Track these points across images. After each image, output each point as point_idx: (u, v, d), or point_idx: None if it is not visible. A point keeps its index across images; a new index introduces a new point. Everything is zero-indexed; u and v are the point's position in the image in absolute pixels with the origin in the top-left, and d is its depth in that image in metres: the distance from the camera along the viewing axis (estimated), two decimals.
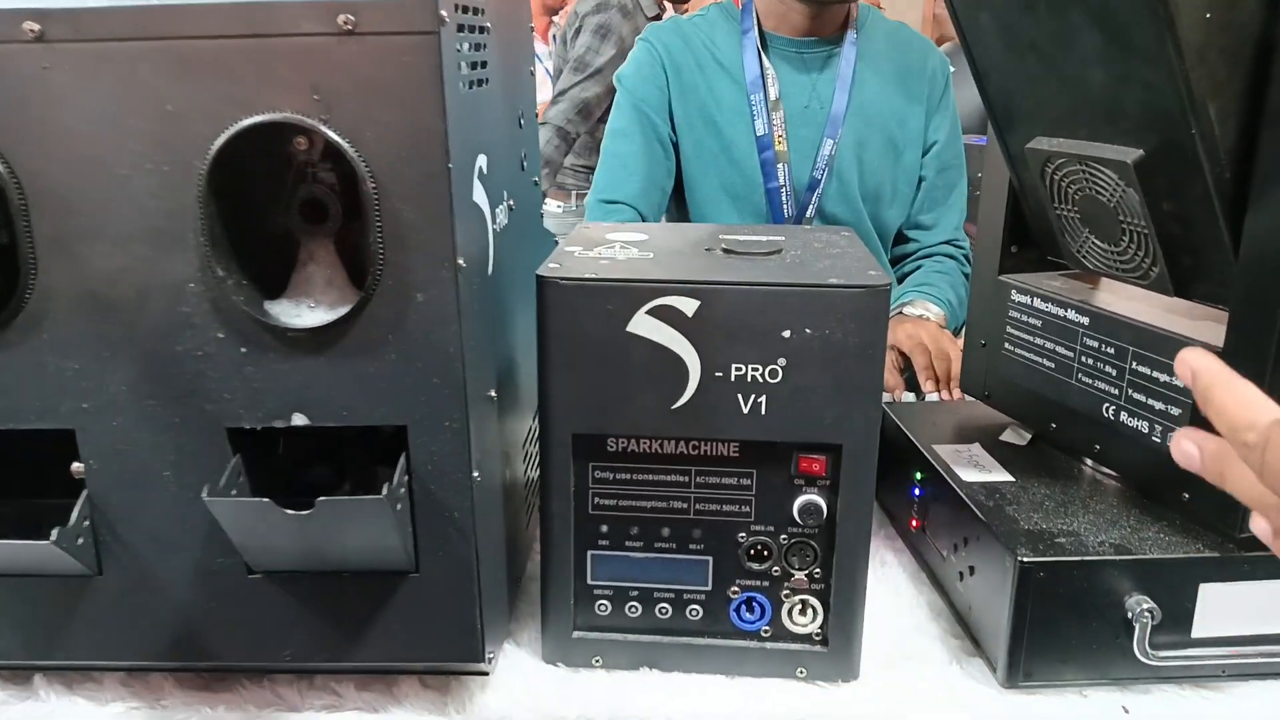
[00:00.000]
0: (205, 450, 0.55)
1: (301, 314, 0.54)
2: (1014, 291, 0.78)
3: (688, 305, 0.57)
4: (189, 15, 0.49)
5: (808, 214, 1.42)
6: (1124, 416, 0.68)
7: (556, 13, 3.78)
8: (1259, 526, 0.40)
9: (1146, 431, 0.66)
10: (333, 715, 0.60)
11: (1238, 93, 0.56)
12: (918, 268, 1.47)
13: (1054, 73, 0.64)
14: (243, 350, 0.53)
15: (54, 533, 0.53)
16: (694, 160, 1.40)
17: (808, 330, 0.57)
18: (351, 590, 0.58)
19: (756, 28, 1.38)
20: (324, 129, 0.50)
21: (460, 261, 0.52)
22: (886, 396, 1.09)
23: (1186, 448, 0.41)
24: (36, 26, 0.49)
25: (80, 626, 0.58)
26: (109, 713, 0.60)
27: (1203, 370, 0.39)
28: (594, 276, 0.58)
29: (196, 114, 0.50)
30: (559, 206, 3.00)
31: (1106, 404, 0.69)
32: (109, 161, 0.51)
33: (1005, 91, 0.70)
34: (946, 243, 1.48)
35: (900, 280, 1.48)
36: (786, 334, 0.57)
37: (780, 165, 1.39)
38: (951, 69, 1.49)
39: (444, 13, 0.49)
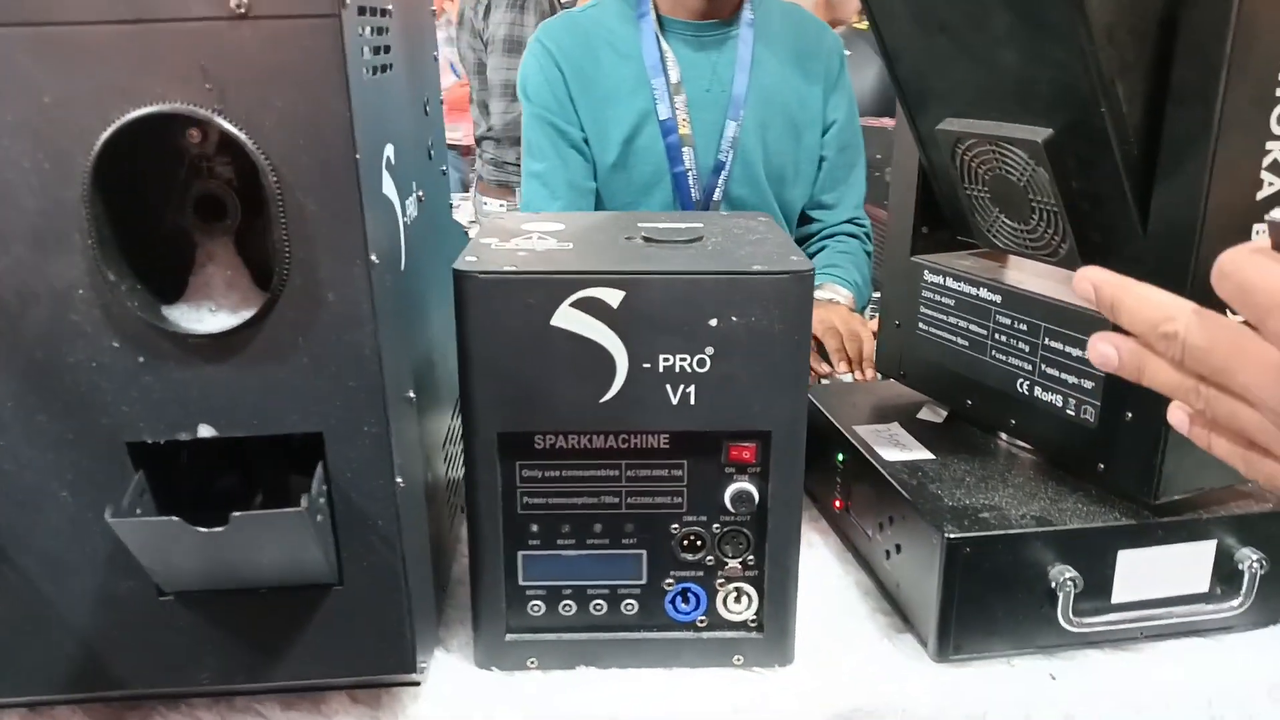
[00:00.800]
0: (104, 467, 0.51)
1: (202, 319, 0.50)
2: (926, 272, 0.79)
3: (613, 296, 0.56)
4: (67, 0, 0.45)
5: (715, 197, 1.41)
6: (1038, 391, 0.69)
7: None
8: (1176, 416, 0.41)
9: (1060, 405, 0.68)
10: None
11: (1144, 72, 0.57)
12: (822, 248, 1.49)
13: (965, 53, 0.65)
14: (140, 360, 0.50)
15: None
16: (601, 150, 1.38)
17: (734, 318, 0.56)
18: (271, 606, 0.55)
19: (653, 12, 1.37)
20: (218, 120, 0.46)
21: (373, 257, 0.50)
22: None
23: (1103, 349, 0.41)
24: None
25: None
26: None
27: (1104, 283, 0.41)
28: (514, 269, 0.56)
29: (78, 106, 0.46)
30: (502, 205, 2.91)
31: (1020, 379, 0.71)
32: None
33: (916, 73, 0.71)
34: (848, 221, 1.50)
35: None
36: (713, 322, 0.57)
37: (685, 149, 1.38)
38: (846, 52, 1.51)
39: (345, 12, 0.47)
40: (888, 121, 2.14)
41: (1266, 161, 0.56)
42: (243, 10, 0.45)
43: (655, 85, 1.35)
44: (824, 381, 1.15)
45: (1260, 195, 0.57)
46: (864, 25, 2.85)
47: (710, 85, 1.38)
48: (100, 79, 0.46)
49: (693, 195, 1.40)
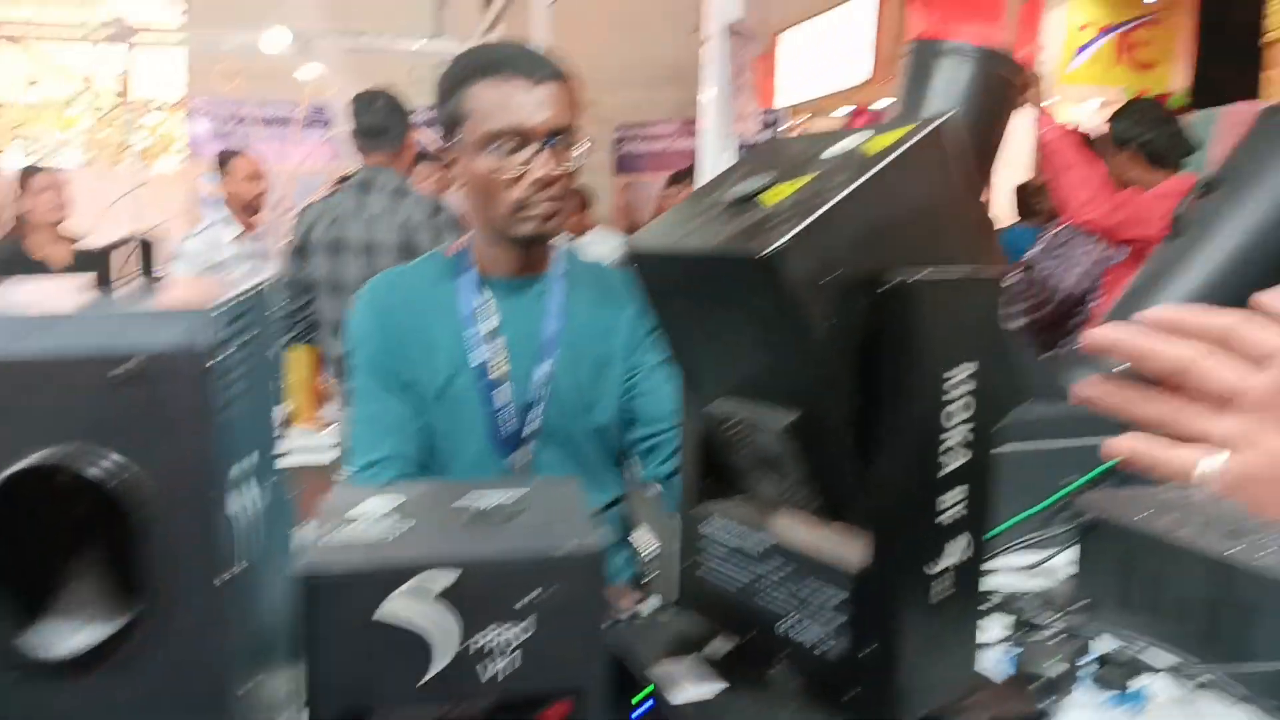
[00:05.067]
0: None
1: (65, 637, 0.56)
2: (711, 518, 0.92)
3: (440, 581, 0.65)
4: None
5: (527, 431, 1.53)
6: (794, 630, 0.82)
7: (254, 211, 3.82)
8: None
9: (813, 644, 0.80)
10: None
11: (853, 378, 0.74)
12: (652, 448, 1.60)
13: (726, 353, 0.81)
14: (6, 678, 0.54)
15: None
16: (423, 393, 1.49)
17: (546, 592, 0.67)
18: None
19: (474, 269, 1.52)
20: (96, 467, 0.54)
21: (219, 576, 0.57)
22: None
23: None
24: None
25: None
26: None
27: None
28: (352, 564, 0.64)
29: None
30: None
31: (781, 620, 0.84)
32: None
33: (690, 364, 0.86)
34: (666, 432, 1.61)
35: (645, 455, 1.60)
36: (530, 597, 0.66)
37: (500, 388, 1.51)
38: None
39: (214, 355, 0.56)
40: None
41: (948, 445, 0.73)
42: (120, 376, 0.54)
43: (469, 335, 1.49)
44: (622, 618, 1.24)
45: (946, 471, 0.74)
46: None
47: (524, 332, 1.53)
48: None
49: (506, 431, 1.52)
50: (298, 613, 0.64)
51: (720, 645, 0.93)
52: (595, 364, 1.57)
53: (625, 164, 7.53)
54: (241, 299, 0.66)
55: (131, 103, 6.23)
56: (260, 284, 0.75)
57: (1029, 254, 3.16)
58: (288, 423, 3.07)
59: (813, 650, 0.81)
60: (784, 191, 0.73)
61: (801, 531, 0.85)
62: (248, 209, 3.84)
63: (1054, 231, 2.99)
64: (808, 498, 0.82)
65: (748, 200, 0.74)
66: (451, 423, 1.50)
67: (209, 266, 3.66)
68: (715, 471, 0.95)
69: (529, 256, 1.52)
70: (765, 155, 0.83)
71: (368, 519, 0.73)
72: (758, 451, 0.84)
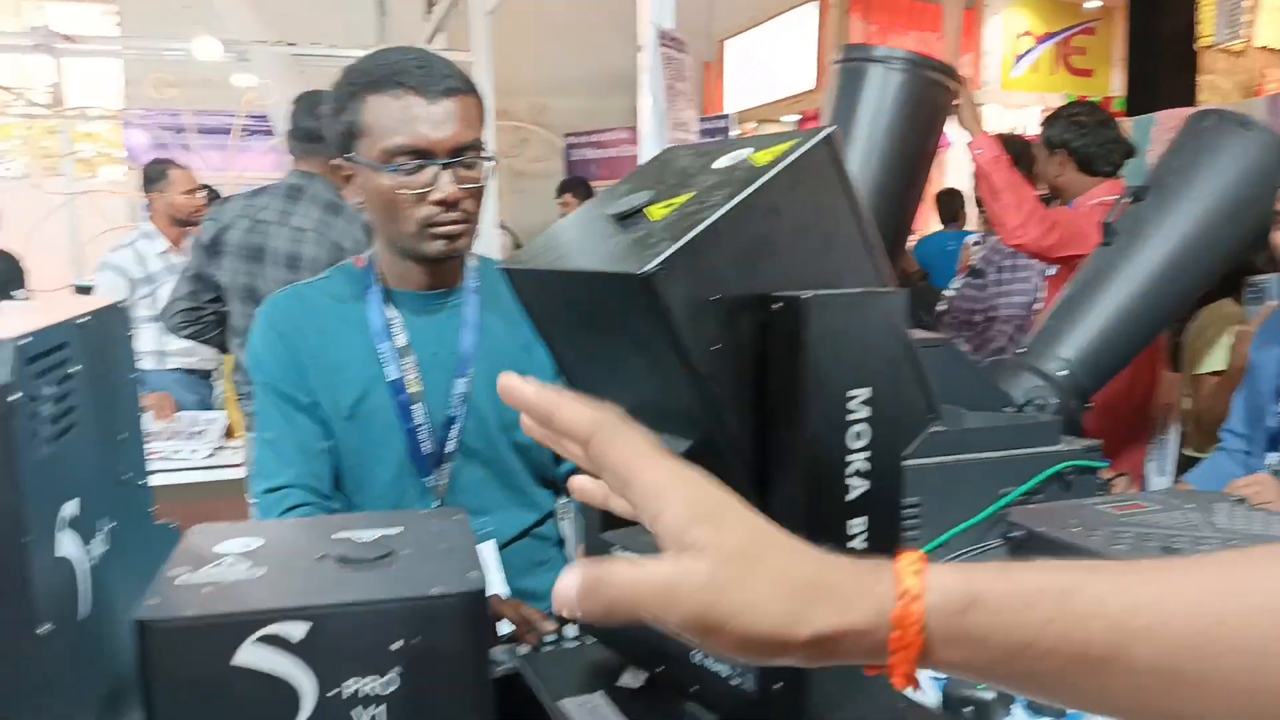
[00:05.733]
0: None
1: None
2: (614, 548, 0.88)
3: (296, 630, 0.60)
4: None
5: (448, 449, 1.48)
6: (708, 661, 0.78)
7: (190, 224, 3.69)
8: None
9: (727, 675, 0.76)
10: None
11: (747, 402, 0.70)
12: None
13: (615, 379, 0.77)
14: None
15: None
16: (332, 412, 1.42)
17: (417, 638, 0.62)
18: None
19: (378, 284, 1.46)
20: None
21: (44, 627, 0.52)
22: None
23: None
24: None
25: None
26: None
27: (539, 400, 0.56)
28: (195, 613, 0.59)
29: None
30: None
31: (695, 651, 0.79)
32: None
33: (582, 388, 0.82)
34: None
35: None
36: (398, 644, 0.61)
37: (415, 406, 1.45)
38: None
39: (12, 391, 0.51)
40: None
41: (849, 471, 0.70)
42: None
43: (382, 350, 1.43)
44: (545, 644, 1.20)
45: (849, 498, 0.70)
46: None
47: (438, 348, 1.47)
48: None
49: (425, 448, 1.46)
50: (138, 663, 0.58)
51: (633, 678, 0.88)
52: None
53: (576, 170, 7.51)
54: (70, 325, 0.60)
55: (68, 111, 6.05)
56: (109, 306, 0.69)
57: (976, 261, 3.16)
58: (228, 435, 2.96)
59: (728, 681, 0.76)
60: (672, 205, 0.69)
61: None
62: (183, 222, 3.70)
63: (996, 242, 2.99)
64: None
65: (633, 215, 0.70)
66: (365, 443, 1.44)
67: (137, 280, 3.54)
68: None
69: (439, 272, 1.47)
70: (657, 167, 0.78)
71: (224, 561, 0.68)
72: None
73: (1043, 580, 0.47)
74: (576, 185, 6.16)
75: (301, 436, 1.40)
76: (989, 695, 0.90)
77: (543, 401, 0.54)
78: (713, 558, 0.48)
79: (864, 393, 0.69)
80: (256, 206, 2.47)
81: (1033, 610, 0.46)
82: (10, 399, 0.50)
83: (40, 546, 0.52)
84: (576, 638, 1.20)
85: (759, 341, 0.69)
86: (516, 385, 0.55)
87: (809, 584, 0.48)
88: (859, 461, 0.70)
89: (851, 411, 0.69)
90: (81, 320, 0.64)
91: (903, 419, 0.74)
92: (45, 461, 0.55)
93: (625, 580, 0.48)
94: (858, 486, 0.71)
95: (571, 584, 0.48)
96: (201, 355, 3.42)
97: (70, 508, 0.59)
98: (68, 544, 0.58)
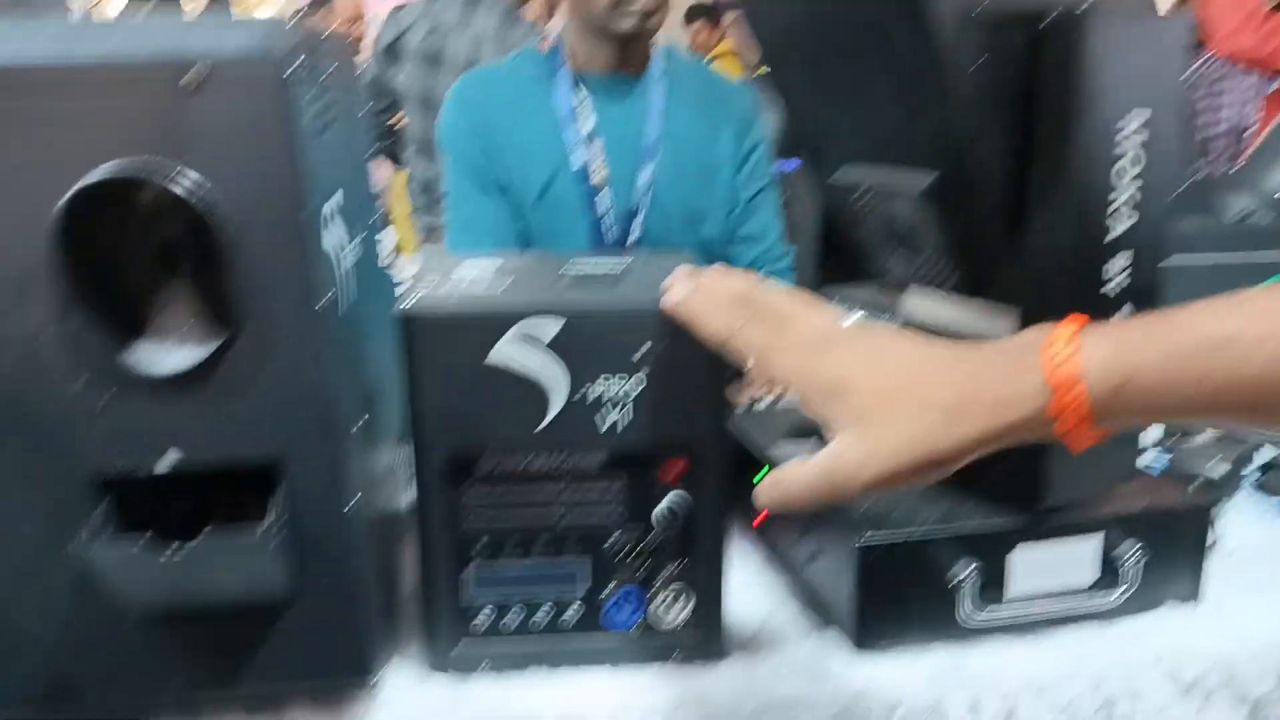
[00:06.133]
0: (70, 498, 0.54)
1: (162, 358, 0.54)
2: (831, 301, 0.86)
3: (548, 330, 0.61)
4: (33, 67, 0.49)
5: (630, 240, 1.48)
6: None
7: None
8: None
9: None
10: None
11: (1008, 128, 0.65)
12: (755, 268, 1.55)
13: (854, 110, 0.73)
14: (106, 396, 0.53)
15: None
16: (520, 197, 1.44)
17: (660, 346, 0.62)
18: (235, 622, 0.57)
19: (567, 65, 1.44)
20: (175, 181, 0.50)
21: (317, 303, 0.54)
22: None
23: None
24: None
25: None
26: None
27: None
28: (455, 308, 0.61)
29: (45, 168, 0.49)
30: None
31: None
32: None
33: (813, 128, 0.78)
34: (769, 251, 1.57)
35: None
36: (641, 351, 0.62)
37: (600, 194, 1.44)
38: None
39: (291, 63, 0.51)
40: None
41: (1118, 201, 0.65)
42: (200, 78, 0.50)
43: (569, 135, 1.42)
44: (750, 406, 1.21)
45: (1117, 231, 0.65)
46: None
47: (624, 134, 1.45)
48: (65, 144, 0.49)
49: (609, 238, 1.46)
50: (403, 355, 0.61)
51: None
52: (700, 172, 1.49)
53: None
54: (318, 34, 0.60)
55: None
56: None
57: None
58: (396, 252, 3.03)
59: None
60: None
61: (938, 310, 0.78)
62: None
63: (1201, 63, 2.71)
64: (945, 272, 0.75)
65: None
66: (551, 229, 1.45)
67: None
68: (836, 253, 0.88)
69: (627, 54, 1.43)
70: None
71: (469, 275, 0.69)
72: (889, 223, 0.77)
73: (1196, 335, 0.45)
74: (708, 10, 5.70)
75: (494, 217, 1.42)
76: (1219, 471, 0.86)
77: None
78: (846, 426, 0.51)
79: (1140, 118, 0.64)
80: (436, 11, 2.44)
81: (1190, 368, 0.45)
82: (286, 73, 0.51)
83: (313, 224, 0.54)
84: (772, 403, 1.20)
85: (1027, 60, 0.64)
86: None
87: (952, 407, 0.49)
88: (1125, 196, 0.65)
89: (1123, 141, 0.64)
90: (325, 34, 0.64)
91: (1173, 155, 0.68)
92: (316, 146, 0.55)
93: (792, 476, 0.54)
94: (1121, 224, 0.66)
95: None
96: None
97: (334, 202, 0.60)
98: (333, 236, 0.60)
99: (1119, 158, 0.65)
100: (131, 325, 0.54)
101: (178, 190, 0.50)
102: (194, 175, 0.50)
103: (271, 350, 0.53)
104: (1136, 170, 0.65)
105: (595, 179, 1.43)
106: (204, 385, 0.53)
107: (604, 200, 1.44)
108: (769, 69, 0.78)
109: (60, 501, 0.53)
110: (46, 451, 0.53)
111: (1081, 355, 0.47)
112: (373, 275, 0.76)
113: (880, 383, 0.51)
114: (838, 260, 0.88)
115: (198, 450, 0.54)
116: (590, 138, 1.43)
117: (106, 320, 0.53)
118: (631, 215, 1.46)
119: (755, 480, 0.82)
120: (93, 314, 0.52)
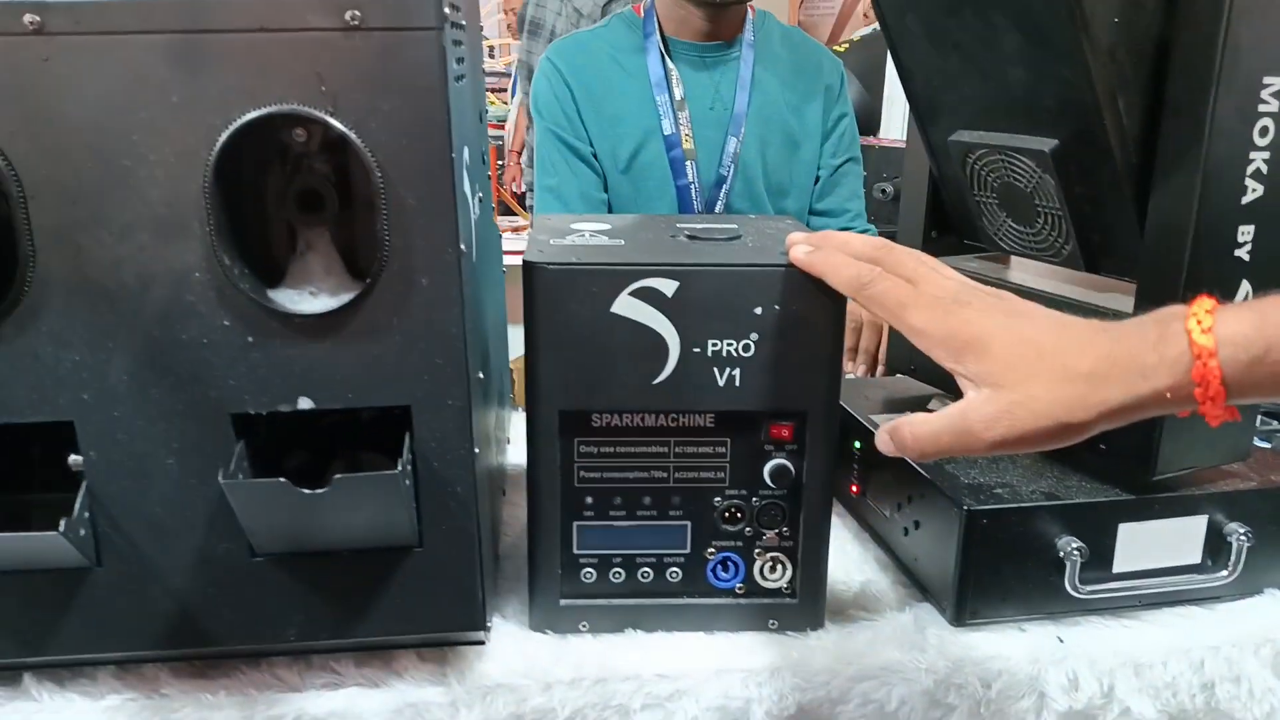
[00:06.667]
0: (209, 436, 0.56)
1: (304, 300, 0.55)
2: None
3: (668, 286, 0.62)
4: (195, 9, 0.50)
5: (716, 209, 1.48)
6: None
7: None
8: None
9: None
10: (334, 693, 0.61)
11: (1142, 87, 0.64)
12: None
13: (976, 70, 0.72)
14: (248, 338, 0.54)
15: (61, 524, 0.53)
16: (609, 164, 1.44)
17: (776, 307, 0.62)
18: (355, 567, 0.59)
19: (658, 33, 1.43)
20: (332, 121, 0.52)
21: (461, 246, 0.55)
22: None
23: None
24: (36, 18, 0.49)
25: (75, 620, 0.58)
26: (103, 706, 0.59)
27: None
28: (579, 261, 0.61)
29: (203, 105, 0.51)
30: None
31: None
32: (111, 152, 0.51)
33: (929, 88, 0.77)
34: (850, 227, 1.56)
35: None
36: (757, 311, 0.62)
37: (689, 163, 1.44)
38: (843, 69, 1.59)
39: (446, 9, 0.52)
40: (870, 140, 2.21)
41: (1250, 169, 0.63)
42: (356, 22, 0.51)
43: (660, 102, 1.42)
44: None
45: (1245, 200, 0.64)
46: (842, 48, 2.93)
47: (713, 103, 1.45)
48: (224, 81, 0.51)
49: (695, 207, 1.46)
50: (527, 306, 0.62)
51: (942, 403, 0.87)
52: (786, 143, 1.48)
53: None
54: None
55: None
56: None
57: None
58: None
59: None
60: None
61: (1052, 282, 0.78)
62: None
63: None
64: (1060, 241, 0.74)
65: None
66: (638, 196, 1.45)
67: None
68: (942, 222, 0.87)
69: (720, 20, 1.42)
70: None
71: (586, 230, 0.70)
72: (1006, 189, 0.76)
73: None
74: None
75: (582, 185, 1.43)
76: None
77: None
78: (983, 383, 0.53)
79: None
80: None
81: None
82: (441, 17, 0.52)
83: (458, 169, 0.55)
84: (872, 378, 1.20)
85: (1163, 15, 0.62)
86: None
87: (1091, 375, 0.50)
88: (1263, 160, 0.63)
89: (1264, 102, 0.62)
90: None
91: None
92: (456, 95, 0.56)
93: (920, 423, 0.56)
94: (1255, 189, 0.64)
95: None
96: None
97: (466, 153, 0.61)
98: (465, 184, 0.61)
99: (1260, 117, 0.63)
100: (275, 269, 0.56)
101: (337, 126, 0.51)
102: (351, 115, 0.52)
103: (412, 296, 0.54)
104: (1266, 140, 0.64)
105: (684, 147, 1.43)
106: (344, 329, 0.55)
107: (691, 169, 1.44)
108: (884, 20, 0.77)
109: (198, 441, 0.56)
110: (188, 390, 0.55)
111: (1223, 327, 0.47)
112: (487, 231, 0.78)
113: (1022, 346, 0.52)
114: (940, 232, 0.87)
115: (333, 394, 0.56)
116: (680, 106, 1.43)
117: (252, 263, 0.54)
118: (718, 185, 1.46)
119: (856, 449, 0.83)
120: (239, 256, 0.54)
